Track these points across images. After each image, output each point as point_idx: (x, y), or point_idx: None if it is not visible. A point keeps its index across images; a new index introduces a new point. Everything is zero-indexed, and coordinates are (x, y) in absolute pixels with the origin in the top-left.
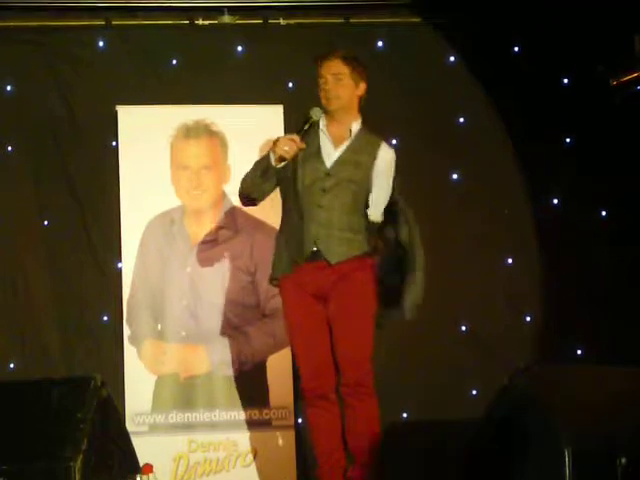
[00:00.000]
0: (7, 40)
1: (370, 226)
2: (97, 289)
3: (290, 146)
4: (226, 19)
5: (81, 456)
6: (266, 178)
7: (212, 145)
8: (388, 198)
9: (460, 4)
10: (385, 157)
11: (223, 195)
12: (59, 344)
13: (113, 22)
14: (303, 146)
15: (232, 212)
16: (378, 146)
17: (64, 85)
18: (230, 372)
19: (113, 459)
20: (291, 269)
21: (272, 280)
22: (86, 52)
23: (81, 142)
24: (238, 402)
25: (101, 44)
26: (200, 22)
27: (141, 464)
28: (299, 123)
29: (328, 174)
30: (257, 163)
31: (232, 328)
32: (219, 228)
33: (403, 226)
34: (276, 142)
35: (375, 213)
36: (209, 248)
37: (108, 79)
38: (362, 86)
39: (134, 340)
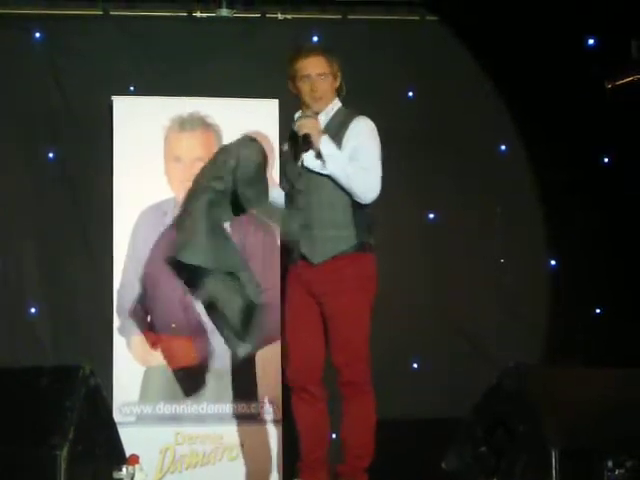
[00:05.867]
0: (3, 27)
1: (360, 218)
2: (88, 279)
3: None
4: (224, 12)
5: (67, 445)
6: None
7: (206, 138)
8: (376, 171)
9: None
10: (355, 128)
11: None
12: (49, 333)
13: (111, 12)
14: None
15: None
16: (350, 121)
17: (60, 74)
18: (219, 365)
19: (100, 449)
20: None
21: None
22: (83, 42)
23: (76, 131)
24: (226, 395)
25: (98, 34)
26: (198, 14)
27: (127, 455)
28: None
29: (300, 174)
30: None
31: None
32: None
33: None
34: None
35: (360, 193)
36: None
37: (104, 69)
38: (338, 79)
39: (124, 331)
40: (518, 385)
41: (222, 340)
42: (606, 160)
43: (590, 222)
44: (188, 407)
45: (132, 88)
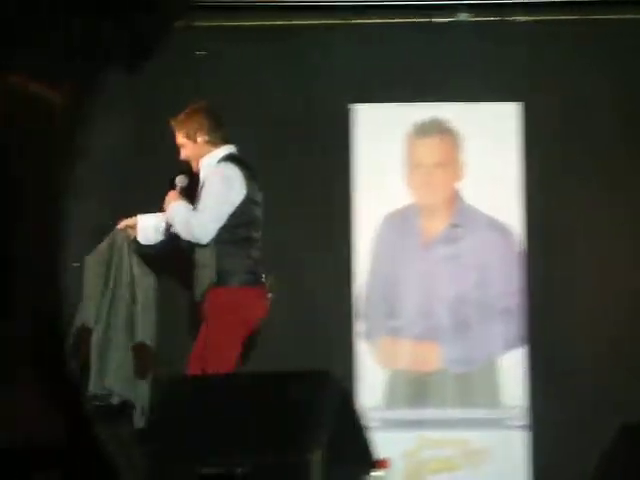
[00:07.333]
0: (244, 39)
1: (222, 257)
2: (330, 283)
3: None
4: (462, 17)
5: (320, 450)
6: None
7: (446, 143)
8: (207, 217)
9: None
10: (209, 176)
11: (456, 193)
12: (288, 336)
13: (349, 20)
14: None
15: (465, 210)
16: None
17: (300, 83)
18: (462, 370)
19: (350, 453)
20: None
21: None
22: (320, 51)
23: (315, 139)
24: (469, 400)
25: (336, 42)
26: (436, 20)
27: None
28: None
29: None
30: None
31: (464, 326)
32: (452, 226)
33: None
34: None
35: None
36: (442, 245)
37: (343, 77)
38: (200, 135)
39: (367, 335)
40: None
41: (465, 344)
42: None
43: None
44: (432, 412)
45: (371, 95)
